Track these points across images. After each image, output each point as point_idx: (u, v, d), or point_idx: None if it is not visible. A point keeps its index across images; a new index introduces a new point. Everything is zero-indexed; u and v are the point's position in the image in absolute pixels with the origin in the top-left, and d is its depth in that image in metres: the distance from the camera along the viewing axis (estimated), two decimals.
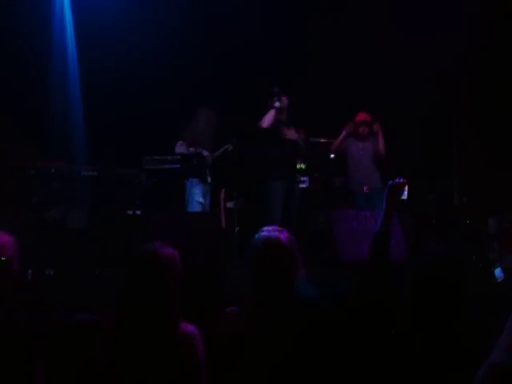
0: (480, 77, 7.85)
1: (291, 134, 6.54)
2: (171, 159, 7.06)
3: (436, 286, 2.55)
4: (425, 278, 2.59)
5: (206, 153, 6.88)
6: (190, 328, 2.59)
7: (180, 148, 6.90)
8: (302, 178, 7.31)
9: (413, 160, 7.78)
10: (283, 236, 2.71)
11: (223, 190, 7.38)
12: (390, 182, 3.10)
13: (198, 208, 6.71)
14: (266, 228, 2.78)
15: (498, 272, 5.36)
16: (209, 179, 6.93)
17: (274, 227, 2.80)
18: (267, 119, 6.38)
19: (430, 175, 7.83)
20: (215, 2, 7.72)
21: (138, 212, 6.53)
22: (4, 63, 6.98)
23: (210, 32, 7.89)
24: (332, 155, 7.46)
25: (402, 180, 3.10)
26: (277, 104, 6.40)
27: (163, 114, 7.59)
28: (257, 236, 2.73)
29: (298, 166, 6.85)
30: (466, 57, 7.79)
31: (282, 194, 6.32)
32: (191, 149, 6.85)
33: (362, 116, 7.17)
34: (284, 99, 6.47)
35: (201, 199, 6.76)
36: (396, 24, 7.37)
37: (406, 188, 3.16)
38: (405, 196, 2.90)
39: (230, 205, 7.53)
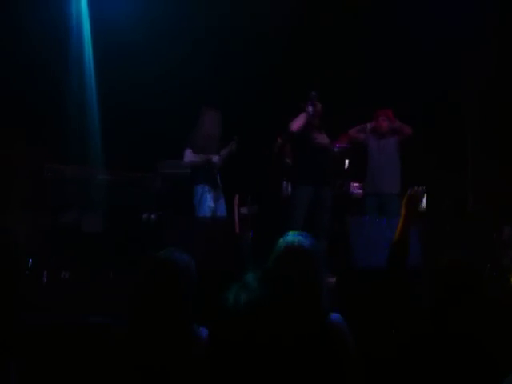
0: (496, 84, 7.82)
1: (322, 138, 6.51)
2: (186, 163, 7.07)
3: (454, 292, 2.55)
4: (443, 284, 2.59)
5: (215, 158, 6.83)
6: (204, 332, 2.59)
7: (189, 156, 6.84)
8: None
9: (427, 167, 7.75)
10: (307, 242, 2.68)
11: (237, 196, 7.38)
12: (409, 191, 3.10)
13: (208, 213, 6.71)
14: (291, 233, 2.76)
15: None
16: (219, 184, 6.91)
17: (300, 232, 2.77)
18: (297, 123, 6.37)
19: (444, 182, 7.80)
20: (227, 9, 7.75)
21: (153, 216, 6.54)
22: (22, 67, 7.05)
23: (223, 38, 7.93)
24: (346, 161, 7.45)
25: (420, 189, 3.10)
26: (309, 109, 6.38)
27: (179, 117, 7.61)
28: (281, 240, 2.71)
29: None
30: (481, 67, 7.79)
31: (308, 200, 6.29)
32: (200, 155, 6.80)
33: (382, 111, 7.02)
34: (318, 104, 6.44)
35: (212, 204, 6.75)
36: (407, 23, 7.38)
37: (425, 197, 3.18)
38: (423, 205, 2.91)
39: (243, 210, 7.53)
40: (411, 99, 7.69)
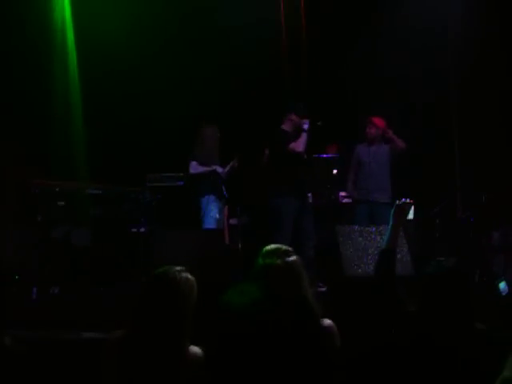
0: (480, 86, 7.88)
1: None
2: (175, 176, 7.09)
3: (443, 299, 2.57)
4: (432, 291, 2.61)
5: (219, 169, 6.91)
6: (196, 351, 2.58)
7: (195, 168, 6.91)
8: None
9: (415, 173, 7.78)
10: (283, 260, 2.70)
11: (226, 207, 7.38)
12: (398, 202, 3.15)
13: (213, 224, 6.73)
14: (269, 248, 2.79)
15: (502, 286, 5.35)
16: (225, 194, 6.95)
17: (278, 246, 2.80)
18: (302, 144, 6.37)
19: (433, 188, 7.83)
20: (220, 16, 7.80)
21: (143, 229, 6.53)
22: (7, 81, 7.03)
23: (214, 48, 7.96)
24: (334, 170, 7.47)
25: (408, 200, 3.15)
26: (306, 126, 6.38)
27: (166, 131, 7.63)
28: (259, 258, 2.75)
29: None
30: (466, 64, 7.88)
31: (295, 212, 6.29)
32: (205, 167, 6.88)
33: (375, 119, 7.01)
34: (308, 121, 6.43)
35: (217, 215, 6.78)
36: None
37: (413, 208, 3.23)
38: (411, 216, 2.96)
39: (233, 221, 7.53)
40: (398, 107, 7.74)
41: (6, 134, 6.93)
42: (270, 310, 2.21)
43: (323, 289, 5.73)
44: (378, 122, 6.97)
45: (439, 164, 8.28)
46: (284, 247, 2.80)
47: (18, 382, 2.37)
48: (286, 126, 6.50)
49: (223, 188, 6.92)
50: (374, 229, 5.36)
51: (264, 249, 2.79)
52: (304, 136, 6.38)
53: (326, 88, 8.14)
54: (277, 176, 6.49)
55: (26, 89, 7.09)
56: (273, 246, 2.80)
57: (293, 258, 2.74)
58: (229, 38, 7.92)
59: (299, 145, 6.37)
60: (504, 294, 5.30)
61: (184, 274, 2.62)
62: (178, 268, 2.64)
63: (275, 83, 8.13)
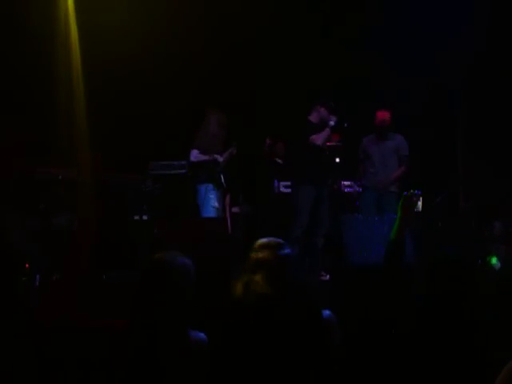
0: (484, 79, 7.87)
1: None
2: (177, 164, 7.06)
3: (448, 289, 2.57)
4: (435, 281, 2.61)
5: (220, 158, 6.86)
6: (199, 335, 2.58)
7: (195, 156, 6.86)
8: None
9: (418, 163, 7.77)
10: (275, 253, 2.70)
11: (228, 195, 7.38)
12: (406, 193, 3.15)
13: (213, 213, 6.70)
14: (261, 241, 2.79)
15: (494, 261, 5.38)
16: (223, 183, 6.92)
17: (270, 240, 2.80)
18: (323, 138, 6.46)
19: (435, 178, 7.83)
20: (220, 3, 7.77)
21: (145, 217, 6.53)
22: (10, 69, 7.02)
23: (216, 35, 7.93)
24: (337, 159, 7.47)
25: (417, 192, 3.15)
26: (332, 123, 6.47)
27: (168, 118, 7.62)
28: (252, 251, 2.75)
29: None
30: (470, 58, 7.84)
31: (312, 200, 6.36)
32: (206, 156, 6.82)
33: (382, 113, 7.01)
34: (336, 118, 6.50)
35: (216, 204, 6.75)
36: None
37: (421, 200, 3.24)
38: (419, 208, 2.98)
39: (235, 210, 7.54)
40: (401, 100, 7.73)
41: (8, 122, 6.93)
42: (273, 301, 2.20)
43: (326, 277, 5.76)
44: (385, 115, 6.97)
45: (441, 154, 8.29)
46: (276, 240, 2.79)
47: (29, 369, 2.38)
48: (313, 117, 6.59)
49: (221, 177, 6.88)
50: (377, 218, 5.37)
51: (256, 242, 2.79)
52: (327, 131, 6.49)
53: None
54: (297, 165, 6.58)
55: (28, 77, 7.07)
56: (265, 240, 2.80)
57: (285, 251, 2.74)
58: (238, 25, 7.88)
59: (320, 138, 6.45)
60: (497, 268, 5.33)
61: (180, 258, 2.63)
62: (174, 253, 2.65)
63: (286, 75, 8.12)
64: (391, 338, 2.64)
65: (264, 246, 2.73)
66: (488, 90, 7.87)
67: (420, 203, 2.98)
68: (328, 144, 7.15)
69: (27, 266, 2.53)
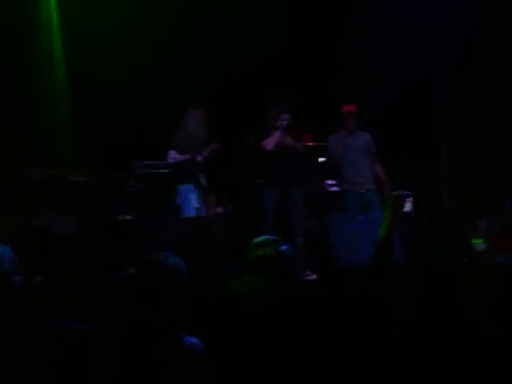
0: (467, 71, 7.87)
1: (287, 140, 6.48)
2: (161, 164, 6.99)
3: (437, 287, 2.56)
4: (426, 279, 2.60)
5: (199, 157, 6.77)
6: (193, 340, 2.53)
7: (172, 157, 6.76)
8: None
9: (400, 162, 7.77)
10: (274, 251, 2.69)
11: (213, 194, 7.33)
12: (395, 193, 3.14)
13: (193, 213, 6.64)
14: (257, 240, 2.78)
15: (478, 242, 5.42)
16: (205, 183, 6.83)
17: (266, 237, 2.78)
18: (272, 142, 6.36)
19: (418, 177, 7.82)
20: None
21: (128, 217, 6.46)
22: None
23: (200, 32, 7.88)
24: (321, 159, 7.44)
25: (406, 193, 3.15)
26: (284, 123, 6.33)
27: (152, 117, 7.55)
28: (249, 251, 2.73)
29: None
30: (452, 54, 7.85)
31: (275, 202, 6.33)
32: (184, 156, 6.73)
33: (347, 107, 6.92)
34: (287, 116, 6.38)
35: (197, 204, 6.68)
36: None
37: (410, 200, 3.24)
38: (407, 208, 2.97)
39: (219, 209, 7.49)
40: (383, 96, 7.72)
41: None
42: (273, 299, 2.19)
43: (312, 277, 5.72)
44: (353, 110, 6.91)
45: (424, 151, 8.28)
46: (272, 237, 2.79)
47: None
48: (269, 122, 6.48)
49: (202, 177, 6.81)
50: (364, 217, 5.36)
51: (252, 241, 2.78)
52: (277, 134, 6.36)
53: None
54: (257, 168, 6.61)
55: (10, 73, 6.97)
56: (260, 238, 2.79)
57: (283, 247, 2.73)
58: (221, 24, 7.83)
59: (269, 143, 6.36)
60: (478, 249, 5.36)
61: (172, 259, 2.58)
62: (166, 253, 2.60)
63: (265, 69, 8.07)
64: (381, 339, 2.61)
65: (262, 244, 2.72)
66: (473, 85, 7.86)
67: (409, 203, 2.97)
68: (311, 144, 7.12)
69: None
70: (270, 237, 2.82)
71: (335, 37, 8.03)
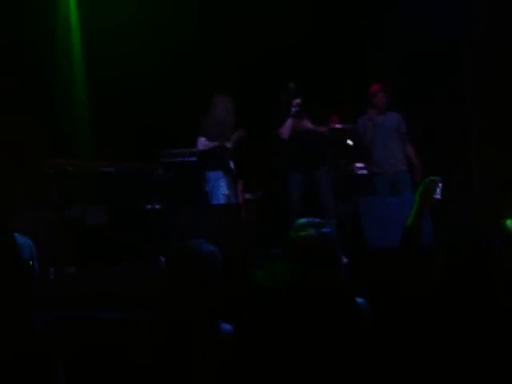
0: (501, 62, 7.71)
1: (305, 124, 6.47)
2: (188, 152, 7.01)
3: (467, 268, 2.53)
4: (456, 261, 2.57)
5: (229, 144, 6.76)
6: (227, 327, 2.54)
7: (202, 144, 6.74)
8: None
9: (430, 144, 7.67)
10: (317, 232, 2.64)
11: (241, 181, 7.33)
12: (425, 180, 3.10)
13: (223, 200, 6.63)
14: (301, 221, 2.74)
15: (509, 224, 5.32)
16: (233, 170, 6.83)
17: (310, 219, 2.75)
18: (286, 130, 6.40)
19: (448, 159, 7.74)
20: None
21: (157, 206, 6.50)
22: (12, 62, 6.98)
23: (221, 19, 7.85)
24: (349, 141, 7.38)
25: (437, 180, 3.11)
26: (294, 110, 6.35)
27: (179, 106, 7.55)
28: (291, 231, 2.69)
29: None
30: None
31: (300, 187, 6.36)
32: (214, 142, 6.72)
33: (375, 85, 6.77)
34: (298, 101, 6.37)
35: (226, 191, 6.67)
36: None
37: (440, 186, 3.18)
38: (438, 195, 2.93)
39: (248, 195, 7.49)
40: (410, 75, 7.62)
41: (17, 115, 6.91)
42: (301, 289, 2.15)
43: (345, 261, 5.70)
44: (382, 89, 6.74)
45: (453, 133, 8.17)
46: (316, 220, 2.74)
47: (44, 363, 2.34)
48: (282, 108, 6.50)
49: (231, 163, 6.81)
50: (395, 199, 5.30)
51: (296, 222, 2.74)
52: (289, 121, 6.40)
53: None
54: (280, 154, 6.59)
55: (34, 70, 7.03)
56: (305, 220, 2.75)
57: (327, 229, 2.68)
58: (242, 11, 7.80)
59: (284, 131, 6.41)
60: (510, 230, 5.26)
61: (206, 246, 2.59)
62: (200, 240, 2.61)
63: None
64: (415, 321, 2.59)
65: (305, 225, 2.68)
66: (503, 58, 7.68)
67: (439, 190, 2.95)
68: (339, 127, 7.05)
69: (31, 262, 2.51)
70: (314, 219, 2.77)
71: (362, 16, 7.94)
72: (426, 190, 3.09)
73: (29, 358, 2.24)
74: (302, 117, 6.48)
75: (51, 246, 5.64)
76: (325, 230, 2.65)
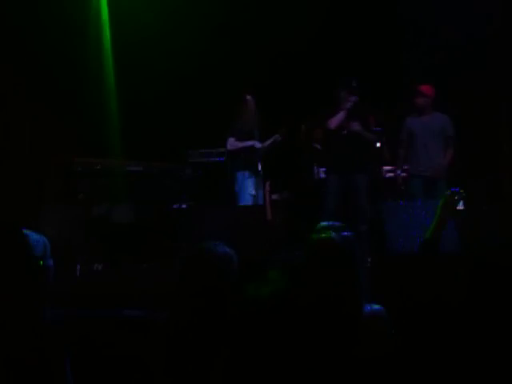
0: None
1: (354, 126, 6.38)
2: (215, 152, 7.05)
3: (496, 274, 2.49)
4: (485, 266, 2.53)
5: (258, 144, 6.80)
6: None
7: (232, 145, 6.80)
8: None
9: (461, 146, 7.57)
10: (338, 235, 2.62)
11: (268, 182, 7.33)
12: (447, 192, 3.06)
13: (250, 201, 6.66)
14: (324, 223, 2.73)
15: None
16: (260, 171, 6.85)
17: (333, 223, 2.73)
18: (336, 121, 6.26)
19: (478, 161, 7.64)
20: None
21: (184, 206, 6.53)
22: (43, 65, 7.06)
23: (249, 21, 7.85)
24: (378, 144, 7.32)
25: (458, 191, 3.06)
26: (349, 105, 6.23)
27: (207, 106, 7.58)
28: (313, 233, 2.68)
29: None
30: None
31: (339, 189, 6.26)
32: (243, 142, 6.77)
33: (425, 88, 6.60)
34: (354, 98, 6.26)
35: (253, 192, 6.70)
36: None
37: (463, 198, 3.11)
38: (461, 206, 2.89)
39: (275, 196, 7.48)
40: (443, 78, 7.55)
41: (46, 114, 6.99)
42: (294, 298, 2.08)
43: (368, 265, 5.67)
44: (426, 90, 6.59)
45: (483, 134, 8.05)
46: (338, 223, 2.73)
47: (58, 360, 2.36)
48: (337, 102, 6.38)
49: (258, 164, 6.83)
50: (419, 204, 5.23)
51: (318, 224, 2.73)
52: (341, 114, 6.25)
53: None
54: (323, 153, 6.56)
55: (62, 70, 7.09)
56: (325, 223, 2.73)
57: (347, 233, 2.66)
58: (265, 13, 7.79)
59: (332, 121, 6.27)
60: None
61: (222, 248, 2.59)
62: (216, 242, 2.61)
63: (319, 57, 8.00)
64: (437, 329, 2.56)
65: (327, 228, 2.66)
66: None
67: (462, 201, 2.89)
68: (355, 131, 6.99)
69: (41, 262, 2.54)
70: (336, 222, 2.75)
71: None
72: (446, 202, 3.05)
73: (38, 354, 2.26)
74: (354, 117, 6.36)
75: (78, 244, 5.72)
76: (345, 233, 2.64)
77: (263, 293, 1.88)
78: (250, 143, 6.76)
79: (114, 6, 7.55)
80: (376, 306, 2.59)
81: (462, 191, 3.06)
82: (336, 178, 6.30)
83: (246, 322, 1.96)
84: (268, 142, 6.85)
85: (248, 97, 6.82)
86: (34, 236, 2.74)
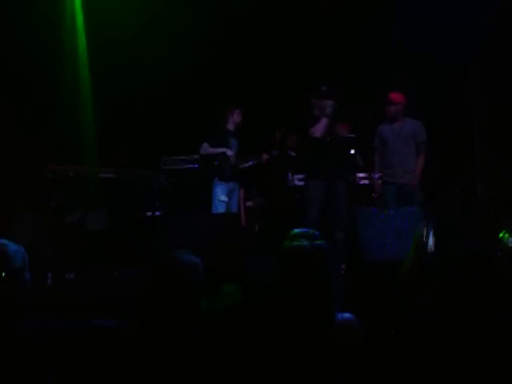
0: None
1: (336, 130, 6.41)
2: (189, 159, 7.03)
3: (468, 283, 2.49)
4: (456, 275, 2.53)
5: (229, 152, 6.83)
6: None
7: (204, 150, 6.90)
8: None
9: (435, 153, 7.63)
10: (310, 244, 2.60)
11: (242, 189, 7.33)
12: (420, 232, 3.09)
13: (221, 207, 6.66)
14: (296, 231, 2.70)
15: (506, 237, 5.29)
16: (234, 178, 6.87)
17: (305, 230, 2.71)
18: (320, 129, 6.18)
19: (452, 167, 7.70)
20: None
21: (158, 213, 6.49)
22: (17, 68, 6.98)
23: (227, 29, 7.85)
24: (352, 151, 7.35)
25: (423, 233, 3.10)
26: (329, 111, 6.17)
27: (180, 113, 7.56)
28: (286, 240, 2.65)
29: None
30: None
31: (321, 195, 6.18)
32: (216, 149, 6.81)
33: (395, 96, 6.65)
34: (331, 102, 6.21)
35: (225, 198, 6.70)
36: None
37: (432, 237, 3.16)
38: (431, 248, 2.92)
39: (249, 203, 7.48)
40: (415, 82, 7.62)
41: (18, 118, 6.91)
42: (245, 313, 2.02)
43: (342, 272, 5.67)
44: (396, 98, 6.65)
45: (458, 141, 8.13)
46: (311, 231, 2.71)
47: (33, 368, 2.32)
48: (315, 111, 6.35)
49: (229, 171, 6.83)
50: (393, 211, 5.25)
51: (291, 232, 2.70)
52: (324, 121, 6.18)
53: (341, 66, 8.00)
54: (305, 160, 6.47)
55: (35, 74, 7.03)
56: (298, 230, 2.71)
57: (320, 242, 2.64)
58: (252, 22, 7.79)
59: (317, 130, 6.20)
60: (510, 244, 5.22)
61: (188, 256, 2.57)
62: (181, 251, 2.59)
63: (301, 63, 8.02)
64: (408, 337, 2.56)
65: (299, 235, 2.64)
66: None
67: (432, 241, 2.89)
68: (341, 136, 7.01)
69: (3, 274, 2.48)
70: (309, 230, 2.73)
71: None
72: (419, 242, 3.07)
73: (16, 364, 2.23)
74: (335, 121, 6.35)
75: (50, 252, 5.65)
76: (318, 242, 2.62)
77: (216, 307, 1.84)
78: (220, 150, 6.79)
79: (88, 12, 7.49)
80: (347, 315, 2.57)
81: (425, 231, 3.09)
82: (321, 184, 6.20)
83: (201, 336, 1.92)
84: (249, 163, 6.88)
85: (234, 108, 6.93)
86: (12, 247, 2.69)
